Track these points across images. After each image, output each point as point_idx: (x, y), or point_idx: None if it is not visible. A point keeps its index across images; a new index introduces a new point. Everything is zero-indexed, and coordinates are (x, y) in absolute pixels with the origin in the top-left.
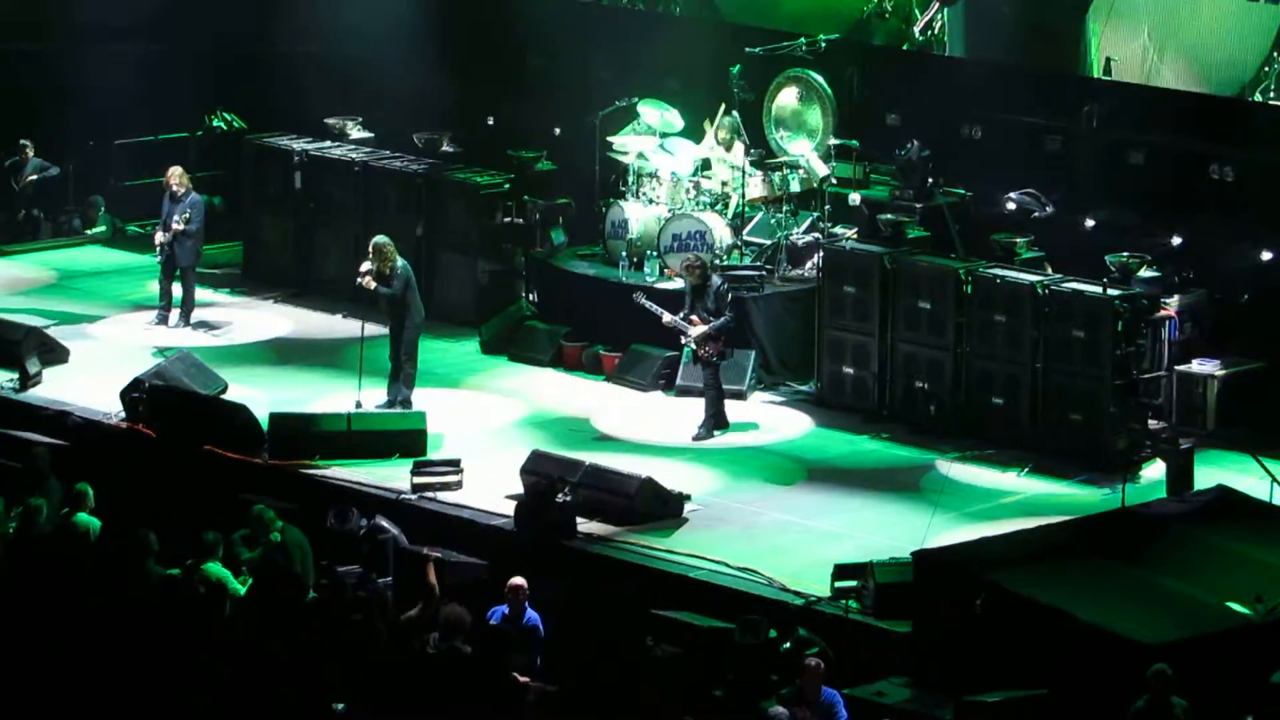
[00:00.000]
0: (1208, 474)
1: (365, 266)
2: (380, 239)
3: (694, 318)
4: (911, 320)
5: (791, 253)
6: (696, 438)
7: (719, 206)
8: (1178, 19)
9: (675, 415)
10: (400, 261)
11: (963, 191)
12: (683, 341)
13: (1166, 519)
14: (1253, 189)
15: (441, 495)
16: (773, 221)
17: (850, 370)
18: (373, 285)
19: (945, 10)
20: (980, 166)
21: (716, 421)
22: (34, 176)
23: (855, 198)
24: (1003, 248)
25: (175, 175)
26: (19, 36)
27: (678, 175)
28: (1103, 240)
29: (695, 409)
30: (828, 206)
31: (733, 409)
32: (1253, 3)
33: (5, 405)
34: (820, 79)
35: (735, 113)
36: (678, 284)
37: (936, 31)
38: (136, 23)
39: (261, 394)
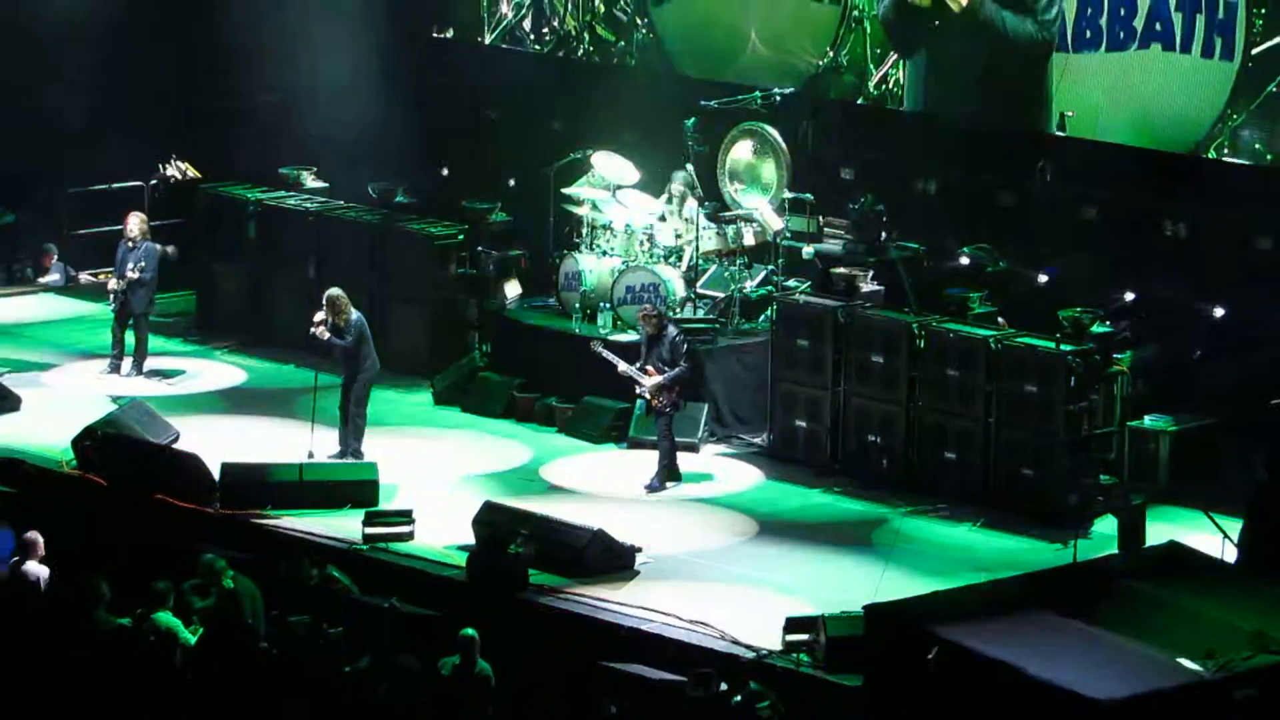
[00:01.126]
0: (1159, 530)
1: (319, 317)
2: (334, 291)
3: (649, 368)
4: (864, 374)
5: (745, 306)
6: (649, 489)
7: (673, 259)
8: (1132, 76)
9: (627, 467)
10: (355, 314)
11: (916, 246)
12: (637, 391)
13: (1118, 574)
14: (1206, 245)
15: (393, 546)
16: (726, 274)
17: (803, 423)
18: (326, 336)
19: (903, 65)
20: (934, 221)
21: (669, 473)
22: None
23: (809, 251)
24: (956, 302)
25: (135, 221)
26: None
27: (632, 227)
28: (1056, 295)
29: (648, 461)
30: (781, 260)
31: (685, 461)
32: (1206, 61)
33: None
34: (775, 132)
35: (690, 165)
36: (632, 336)
37: (891, 87)
38: (91, 70)
39: (214, 443)
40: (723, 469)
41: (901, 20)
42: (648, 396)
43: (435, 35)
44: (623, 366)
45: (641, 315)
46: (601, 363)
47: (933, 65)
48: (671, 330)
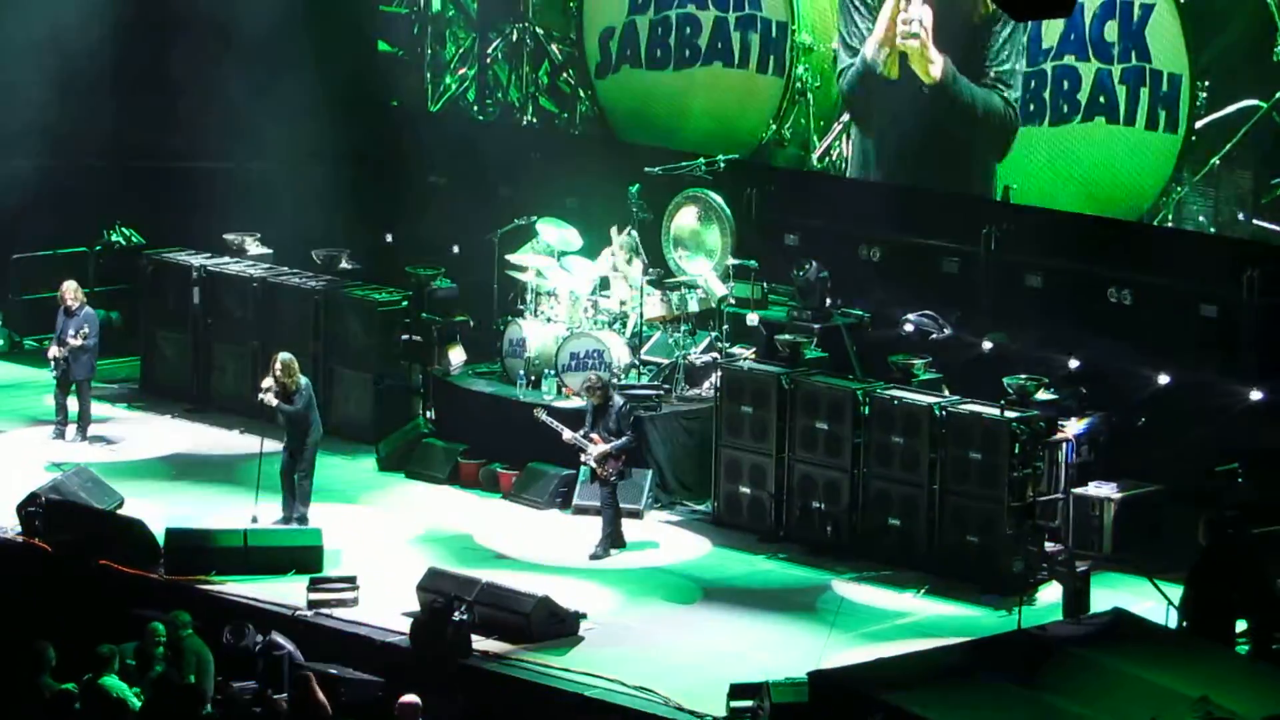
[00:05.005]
0: (1104, 596)
1: (267, 383)
2: (285, 356)
3: (594, 436)
4: (809, 440)
5: (689, 372)
6: (593, 556)
7: (617, 325)
8: (1076, 149)
9: (572, 534)
10: (303, 379)
11: (861, 312)
12: (582, 460)
13: (1063, 641)
14: (1151, 312)
15: (337, 612)
16: (671, 341)
17: (747, 490)
18: (274, 402)
19: (847, 135)
20: (878, 288)
21: (613, 540)
22: None
23: (753, 318)
24: (900, 369)
25: (70, 290)
26: None
27: (576, 294)
28: (1000, 362)
29: (592, 527)
30: (726, 326)
31: (630, 528)
32: (1150, 133)
33: None
34: (719, 199)
35: (633, 231)
36: (577, 403)
37: (834, 159)
38: (33, 136)
39: (158, 509)
40: (667, 536)
41: (867, 93)
42: (593, 465)
43: (382, 102)
44: (568, 435)
45: (587, 386)
46: (546, 430)
47: (889, 137)
48: (618, 400)
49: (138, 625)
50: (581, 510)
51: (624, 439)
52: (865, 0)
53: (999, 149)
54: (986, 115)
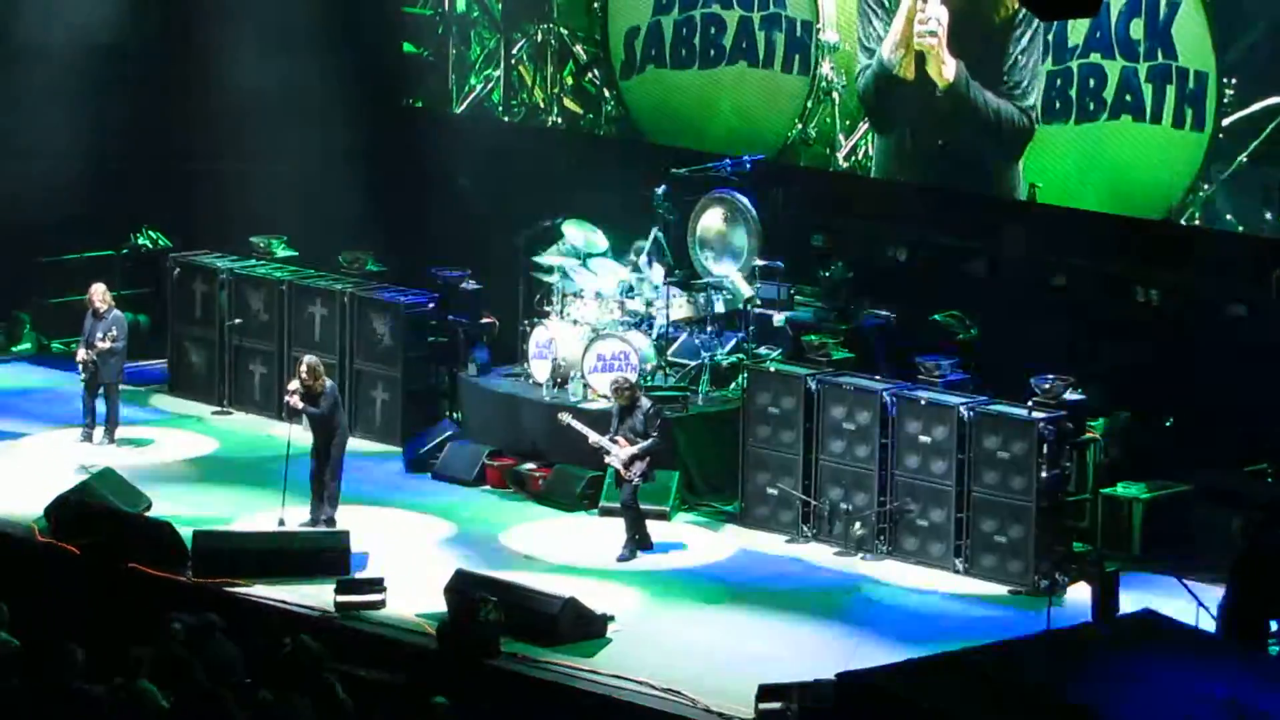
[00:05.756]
0: (1133, 597)
1: (293, 385)
2: (311, 358)
3: (620, 439)
4: (836, 441)
5: (716, 373)
6: (621, 558)
7: (643, 327)
8: (1102, 148)
9: (599, 535)
10: (328, 381)
11: (887, 312)
12: (607, 462)
13: (1092, 643)
14: (1178, 311)
15: (365, 614)
16: (697, 342)
17: (774, 491)
18: (300, 405)
19: (871, 136)
20: (905, 288)
21: (640, 542)
22: None
23: (780, 318)
24: (927, 369)
25: (98, 293)
26: None
27: (602, 295)
28: (1028, 362)
29: (619, 529)
30: (752, 327)
31: (656, 529)
32: (1177, 131)
33: None
34: (745, 200)
35: (660, 233)
36: (603, 404)
37: (860, 158)
38: (59, 140)
39: (185, 511)
40: (694, 537)
41: (882, 95)
42: (619, 468)
43: (406, 104)
44: (594, 438)
45: (614, 387)
46: (571, 432)
47: (908, 140)
48: (645, 402)
49: (166, 627)
50: (609, 512)
51: (650, 440)
52: (882, 2)
53: (1013, 153)
54: (999, 121)
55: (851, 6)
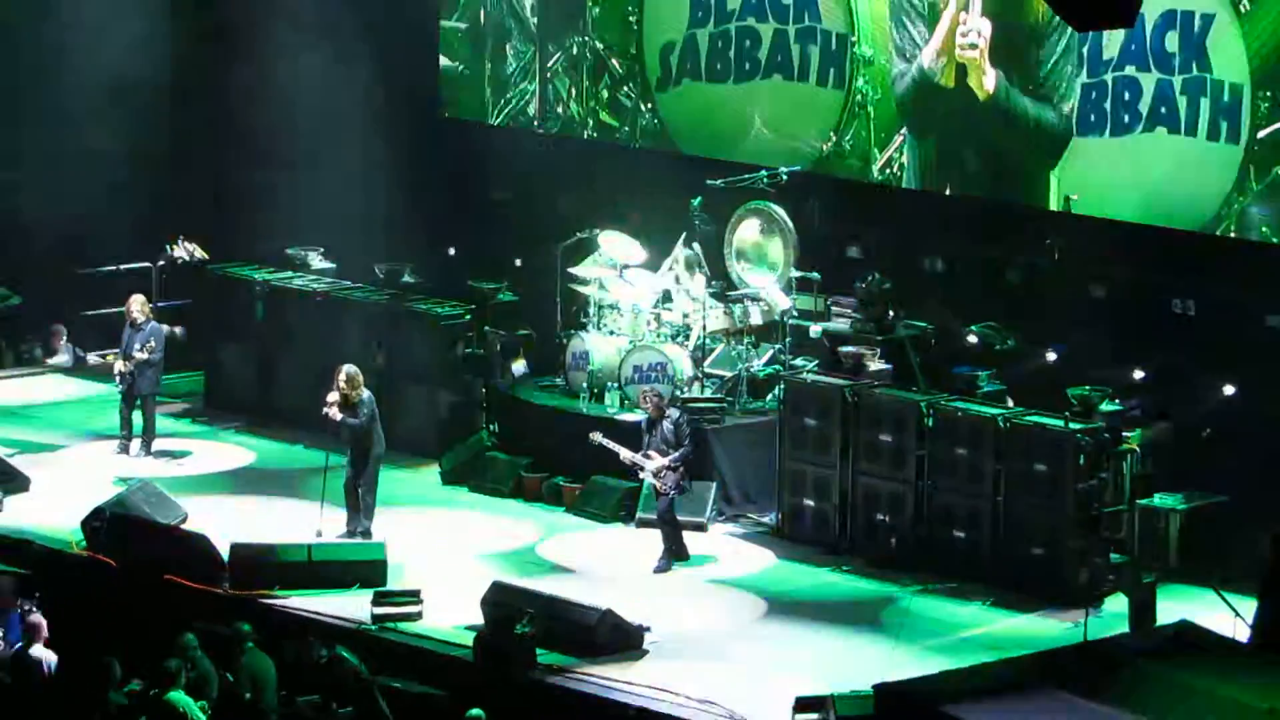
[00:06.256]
0: (1170, 608)
1: (331, 396)
2: (350, 369)
3: (651, 452)
4: (873, 453)
5: (752, 385)
6: (657, 569)
7: (680, 338)
8: (1138, 159)
9: (635, 547)
10: (365, 392)
11: (924, 324)
12: (641, 476)
13: (1129, 654)
14: (1214, 323)
15: (401, 625)
16: (734, 353)
17: (811, 503)
18: (338, 415)
19: (906, 148)
20: (942, 299)
21: (676, 553)
22: None
23: (816, 330)
24: (964, 381)
25: (136, 304)
26: None
27: (638, 307)
28: (1064, 373)
29: (656, 540)
30: (789, 339)
31: (693, 541)
32: (1212, 144)
33: None
34: (781, 211)
35: (696, 244)
36: (639, 415)
37: (895, 171)
38: (96, 152)
39: (222, 523)
40: (731, 548)
41: (922, 102)
42: (653, 481)
43: (443, 116)
44: (626, 454)
45: (643, 397)
46: (605, 451)
47: (944, 145)
48: (674, 412)
49: (203, 639)
50: (645, 523)
51: (682, 450)
52: (917, 7)
53: (1052, 158)
54: (1039, 127)
55: (884, 18)
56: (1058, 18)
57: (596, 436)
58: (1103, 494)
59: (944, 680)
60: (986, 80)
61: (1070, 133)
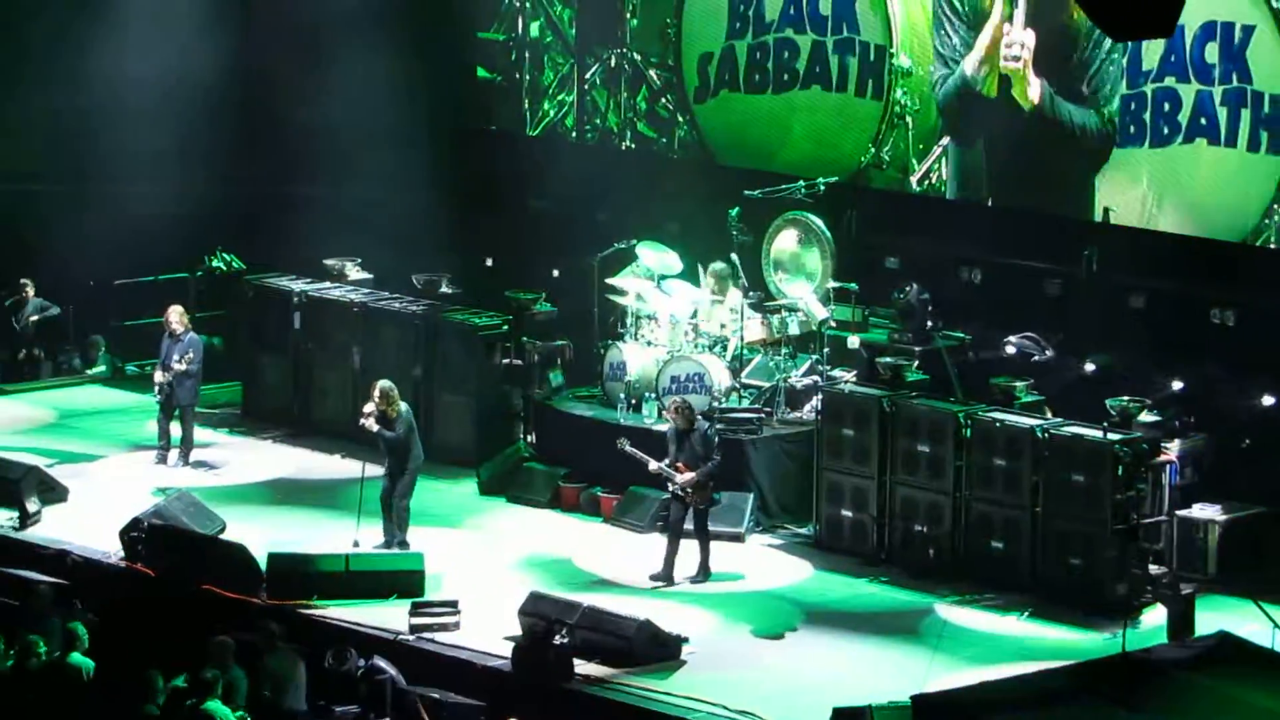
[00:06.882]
0: (1209, 619)
1: (368, 408)
2: (385, 383)
3: (680, 464)
4: (910, 463)
5: (790, 395)
6: (694, 580)
7: (718, 349)
8: (1177, 170)
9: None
10: (403, 405)
11: (962, 335)
12: (670, 489)
13: (1168, 665)
14: (1254, 334)
15: (439, 636)
16: (771, 364)
17: (849, 513)
18: (375, 428)
19: (944, 159)
20: (979, 310)
21: (700, 567)
22: (35, 316)
23: (854, 340)
24: (1002, 391)
25: (175, 314)
26: (21, 178)
27: (676, 317)
28: (1103, 384)
29: (693, 552)
30: (826, 349)
31: (731, 552)
32: (1252, 155)
33: (5, 544)
34: (819, 222)
35: (734, 255)
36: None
37: (934, 182)
38: (134, 164)
39: (260, 533)
40: (769, 559)
41: (964, 109)
42: (682, 494)
43: (481, 128)
44: (653, 465)
45: (673, 408)
46: (633, 460)
47: (986, 155)
48: (702, 424)
49: (242, 649)
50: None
51: (710, 463)
52: (958, 12)
53: (1096, 164)
54: (1084, 135)
55: (924, 28)
56: None
57: (624, 444)
58: (1141, 505)
59: (981, 691)
60: (1031, 91)
61: (1114, 136)
